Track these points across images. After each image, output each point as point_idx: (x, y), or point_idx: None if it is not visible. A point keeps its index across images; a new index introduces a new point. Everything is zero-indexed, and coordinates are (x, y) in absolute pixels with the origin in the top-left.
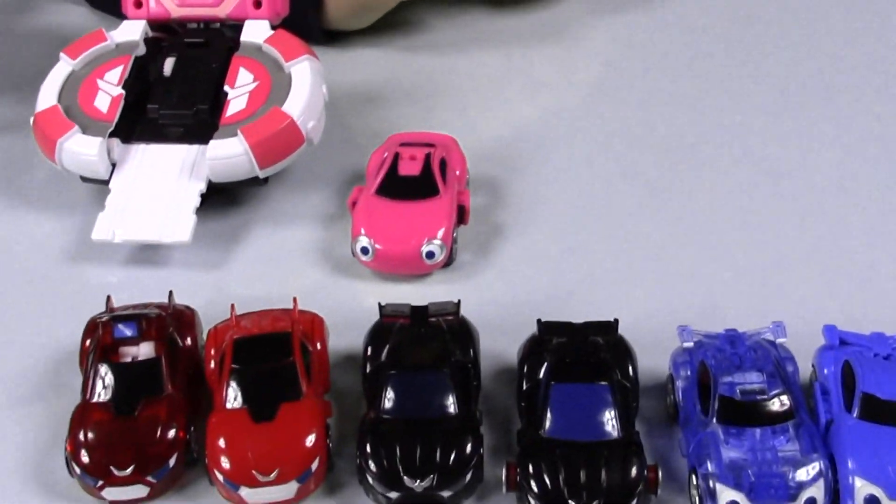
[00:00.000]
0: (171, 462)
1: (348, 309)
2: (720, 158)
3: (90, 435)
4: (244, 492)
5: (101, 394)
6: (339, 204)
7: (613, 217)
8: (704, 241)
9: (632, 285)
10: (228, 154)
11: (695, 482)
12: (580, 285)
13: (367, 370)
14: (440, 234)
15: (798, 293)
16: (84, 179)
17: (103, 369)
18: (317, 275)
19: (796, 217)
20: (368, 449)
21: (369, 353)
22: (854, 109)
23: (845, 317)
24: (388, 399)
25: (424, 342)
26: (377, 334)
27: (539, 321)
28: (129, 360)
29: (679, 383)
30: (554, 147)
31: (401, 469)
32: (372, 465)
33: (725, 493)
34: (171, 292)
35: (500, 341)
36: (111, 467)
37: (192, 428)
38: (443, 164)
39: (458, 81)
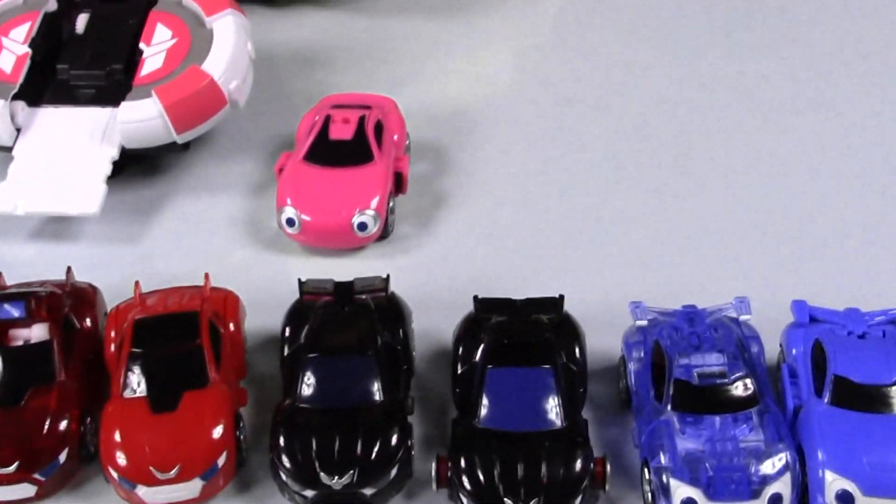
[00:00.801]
0: (62, 458)
1: (275, 286)
2: (676, 127)
3: None
4: (142, 491)
5: None
6: (268, 172)
7: (563, 188)
8: (659, 213)
9: (581, 260)
10: (142, 117)
11: (647, 476)
12: (525, 260)
13: (285, 353)
14: (374, 203)
15: (763, 267)
16: None
17: None
18: (241, 250)
19: (760, 183)
20: (282, 442)
21: (287, 334)
22: (826, 85)
23: (815, 292)
24: (306, 385)
25: (348, 322)
26: (296, 313)
27: (476, 298)
28: (16, 343)
29: (631, 366)
30: (502, 114)
31: (317, 464)
32: (285, 460)
33: (680, 490)
34: (69, 268)
35: (438, 321)
36: None
37: (89, 420)
38: (378, 128)
39: (400, 45)
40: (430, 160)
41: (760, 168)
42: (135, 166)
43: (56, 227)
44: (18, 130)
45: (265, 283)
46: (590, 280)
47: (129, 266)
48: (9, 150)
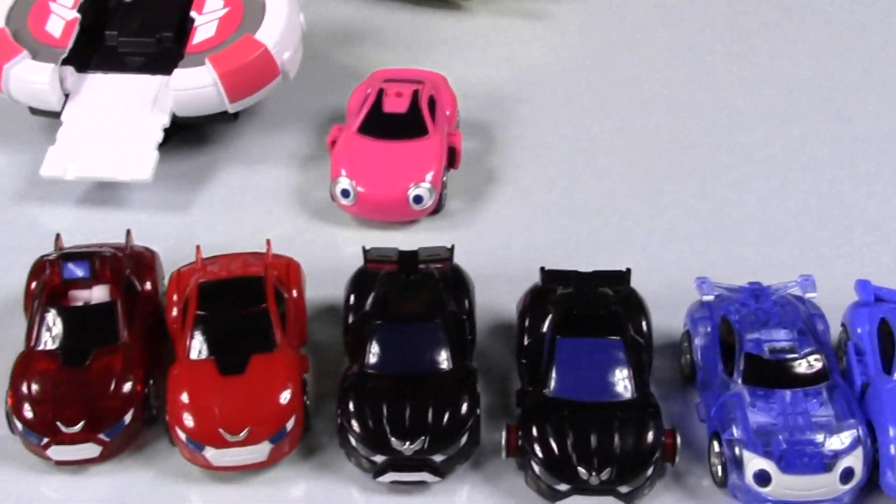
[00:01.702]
0: (127, 419)
1: (326, 258)
2: (746, 110)
3: (34, 387)
4: (209, 453)
5: (48, 341)
6: (317, 145)
7: (618, 165)
8: (722, 191)
9: (641, 236)
10: (195, 84)
11: (717, 449)
12: (582, 235)
13: (350, 321)
14: (429, 177)
15: (826, 246)
16: (33, 111)
17: (51, 314)
18: (292, 220)
19: (823, 163)
20: (352, 407)
21: (352, 302)
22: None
23: (878, 272)
24: (374, 352)
25: (414, 291)
26: (361, 281)
27: (542, 269)
28: (80, 304)
29: (697, 341)
30: (553, 91)
31: (388, 430)
32: (355, 426)
33: (754, 462)
34: (128, 231)
35: (495, 295)
36: (58, 423)
37: (152, 382)
38: (431, 103)
39: (447, 21)
40: (478, 138)
41: (823, 148)
42: (182, 135)
43: (104, 193)
44: (67, 96)
45: (315, 254)
46: (645, 256)
47: (177, 234)
48: (57, 115)
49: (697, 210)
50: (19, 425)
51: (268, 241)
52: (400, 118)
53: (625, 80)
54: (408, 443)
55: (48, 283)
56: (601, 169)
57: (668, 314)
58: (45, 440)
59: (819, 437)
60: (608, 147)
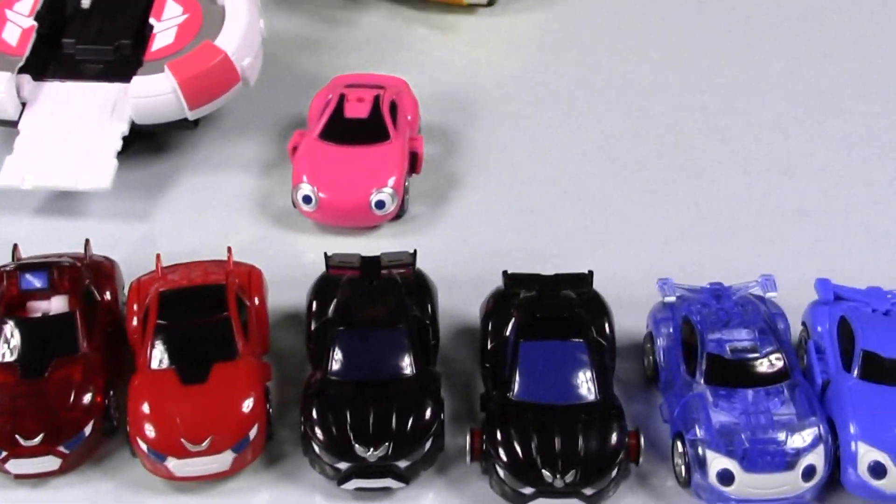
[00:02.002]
0: (87, 430)
1: (288, 265)
2: (701, 112)
3: None
4: (172, 463)
5: (6, 354)
6: (278, 151)
7: (578, 170)
8: (682, 193)
9: (603, 239)
10: (154, 92)
11: (680, 449)
12: (545, 239)
13: (312, 328)
14: (391, 181)
15: (786, 246)
16: None
17: (8, 326)
18: (253, 227)
19: (781, 165)
20: (315, 414)
21: (314, 308)
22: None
23: (837, 271)
24: (337, 359)
25: (377, 296)
26: (323, 288)
27: (505, 273)
28: (38, 315)
29: (660, 342)
30: (514, 96)
31: (352, 436)
32: (319, 433)
33: (717, 461)
34: (87, 241)
35: (458, 299)
36: (17, 436)
37: (112, 392)
38: (393, 108)
39: (406, 29)
40: (439, 142)
41: (781, 150)
42: (141, 143)
43: (62, 202)
44: (24, 104)
45: (277, 261)
46: (607, 259)
47: (137, 243)
48: (14, 124)
49: (658, 212)
50: None
51: (229, 249)
52: (362, 123)
53: (584, 84)
54: (371, 449)
55: (6, 294)
56: (563, 173)
57: (630, 317)
58: (4, 454)
59: (781, 436)
60: (569, 151)
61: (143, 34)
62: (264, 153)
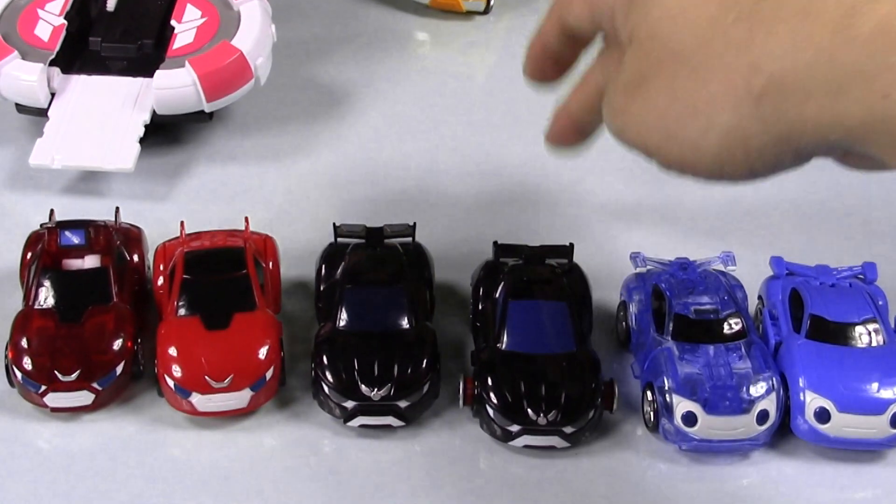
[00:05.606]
0: (118, 370)
1: (296, 240)
2: None
3: (33, 341)
4: (195, 398)
5: (45, 301)
6: (282, 145)
7: (563, 164)
8: (651, 179)
9: (582, 218)
10: (176, 84)
11: (650, 397)
12: (530, 218)
13: (321, 288)
14: None
15: (745, 228)
16: (20, 109)
17: (48, 276)
18: (261, 213)
19: None
20: (325, 360)
21: (323, 272)
22: None
23: (789, 250)
24: (345, 313)
25: (380, 260)
26: (331, 254)
27: (495, 243)
28: (74, 269)
29: (632, 308)
30: (509, 99)
31: (358, 378)
32: (329, 376)
33: (682, 405)
34: (117, 208)
35: (449, 273)
36: (56, 372)
37: (140, 340)
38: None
39: (407, 33)
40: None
41: None
42: (153, 135)
43: (85, 184)
44: (53, 95)
45: (286, 236)
46: (585, 236)
47: (157, 220)
48: (43, 113)
49: (629, 195)
50: (19, 375)
51: (246, 219)
52: None
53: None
54: (376, 389)
55: (46, 248)
56: (547, 169)
57: (604, 292)
58: (43, 388)
59: (739, 385)
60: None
61: (164, 35)
62: (271, 146)
